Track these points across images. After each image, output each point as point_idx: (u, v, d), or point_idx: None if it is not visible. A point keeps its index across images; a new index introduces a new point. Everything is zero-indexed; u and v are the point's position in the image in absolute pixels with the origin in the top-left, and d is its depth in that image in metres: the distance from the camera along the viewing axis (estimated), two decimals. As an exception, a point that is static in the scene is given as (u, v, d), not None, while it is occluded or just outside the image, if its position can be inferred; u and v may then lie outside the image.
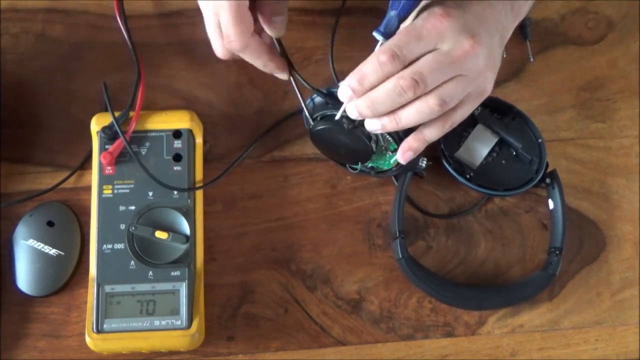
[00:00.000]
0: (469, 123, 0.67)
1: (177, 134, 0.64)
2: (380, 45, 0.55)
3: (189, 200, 0.62)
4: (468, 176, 0.66)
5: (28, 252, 0.63)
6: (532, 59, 0.72)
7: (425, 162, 0.64)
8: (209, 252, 0.65)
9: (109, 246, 0.61)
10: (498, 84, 0.70)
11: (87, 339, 0.60)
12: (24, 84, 0.68)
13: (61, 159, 0.67)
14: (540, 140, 0.67)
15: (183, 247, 0.61)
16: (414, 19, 0.56)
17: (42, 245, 0.63)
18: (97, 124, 0.63)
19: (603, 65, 0.73)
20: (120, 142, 0.62)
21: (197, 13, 0.70)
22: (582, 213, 0.69)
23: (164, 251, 0.61)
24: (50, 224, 0.64)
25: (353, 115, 0.57)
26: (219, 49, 0.62)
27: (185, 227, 0.62)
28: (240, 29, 0.58)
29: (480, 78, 0.57)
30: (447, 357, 0.65)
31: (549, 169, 0.67)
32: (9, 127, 0.67)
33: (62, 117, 0.68)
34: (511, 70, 0.71)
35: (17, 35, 0.69)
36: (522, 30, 0.72)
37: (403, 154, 0.60)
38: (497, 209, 0.68)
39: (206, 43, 0.70)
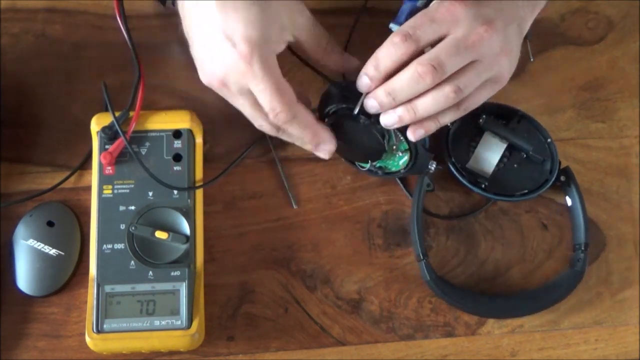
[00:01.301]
0: (476, 132, 0.67)
1: (177, 134, 0.64)
2: None
3: (189, 200, 0.62)
4: (483, 186, 0.65)
5: (28, 252, 0.63)
6: (532, 59, 0.72)
7: (434, 165, 0.63)
8: (209, 252, 0.65)
9: (109, 246, 0.61)
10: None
11: (87, 339, 0.60)
12: (24, 84, 0.68)
13: (61, 159, 0.67)
14: (549, 140, 0.67)
15: (183, 247, 0.61)
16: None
17: (42, 245, 0.63)
18: (97, 124, 0.63)
19: (603, 65, 0.73)
20: (120, 142, 0.62)
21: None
22: (582, 213, 0.69)
23: (164, 251, 0.61)
24: (50, 224, 0.64)
25: (372, 108, 0.57)
26: (266, 127, 0.59)
27: (185, 227, 0.62)
28: (285, 99, 0.56)
29: (496, 65, 0.57)
30: (447, 357, 0.65)
31: (568, 166, 0.67)
32: (9, 127, 0.67)
33: (62, 117, 0.68)
34: (511, 70, 0.71)
35: (17, 35, 0.69)
36: (522, 30, 0.72)
37: (414, 132, 0.58)
38: (497, 209, 0.68)
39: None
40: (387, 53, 0.55)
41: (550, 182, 0.66)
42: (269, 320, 0.64)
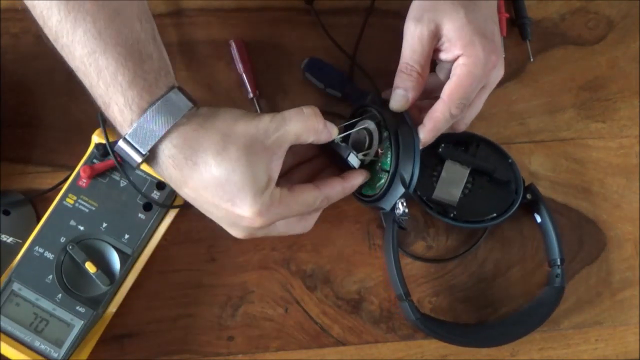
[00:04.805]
0: (437, 162, 0.65)
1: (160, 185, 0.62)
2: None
3: (135, 249, 0.61)
4: (452, 215, 0.64)
5: None
6: (532, 59, 0.72)
7: (403, 205, 0.60)
8: (209, 252, 0.65)
9: (40, 250, 0.60)
10: (498, 84, 0.70)
11: None
12: (24, 84, 0.68)
13: (61, 159, 0.66)
14: (510, 160, 0.66)
15: (104, 288, 0.59)
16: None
17: None
18: (98, 137, 0.62)
19: (603, 65, 0.73)
20: (108, 163, 0.61)
21: (197, 13, 0.70)
22: (582, 213, 0.69)
23: (85, 283, 0.59)
24: (6, 212, 0.63)
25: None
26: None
27: (116, 271, 0.60)
28: (310, 200, 0.57)
29: (498, 79, 0.63)
30: (447, 357, 0.65)
31: (532, 183, 0.67)
32: (9, 127, 0.67)
33: (62, 117, 0.67)
34: (511, 70, 0.71)
35: (17, 35, 0.69)
36: (521, 30, 0.72)
37: (427, 133, 0.60)
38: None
39: (206, 43, 0.70)
40: (445, 123, 0.59)
41: (518, 202, 0.65)
42: (269, 320, 0.64)
